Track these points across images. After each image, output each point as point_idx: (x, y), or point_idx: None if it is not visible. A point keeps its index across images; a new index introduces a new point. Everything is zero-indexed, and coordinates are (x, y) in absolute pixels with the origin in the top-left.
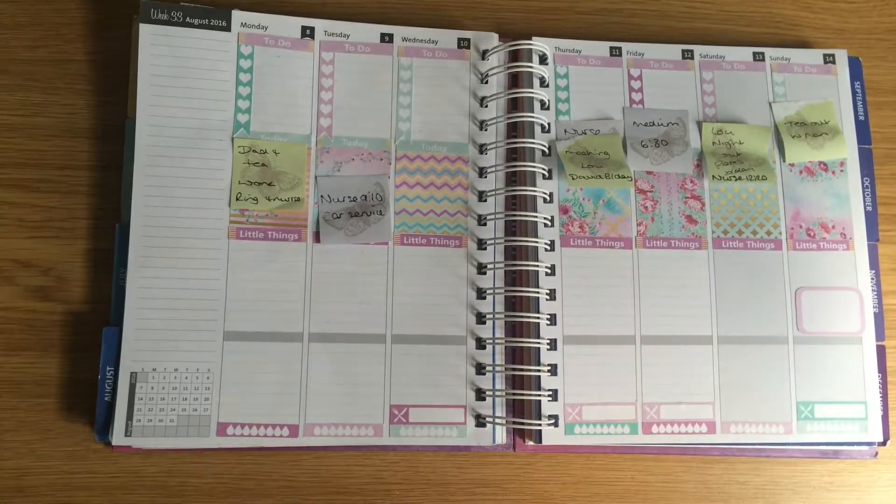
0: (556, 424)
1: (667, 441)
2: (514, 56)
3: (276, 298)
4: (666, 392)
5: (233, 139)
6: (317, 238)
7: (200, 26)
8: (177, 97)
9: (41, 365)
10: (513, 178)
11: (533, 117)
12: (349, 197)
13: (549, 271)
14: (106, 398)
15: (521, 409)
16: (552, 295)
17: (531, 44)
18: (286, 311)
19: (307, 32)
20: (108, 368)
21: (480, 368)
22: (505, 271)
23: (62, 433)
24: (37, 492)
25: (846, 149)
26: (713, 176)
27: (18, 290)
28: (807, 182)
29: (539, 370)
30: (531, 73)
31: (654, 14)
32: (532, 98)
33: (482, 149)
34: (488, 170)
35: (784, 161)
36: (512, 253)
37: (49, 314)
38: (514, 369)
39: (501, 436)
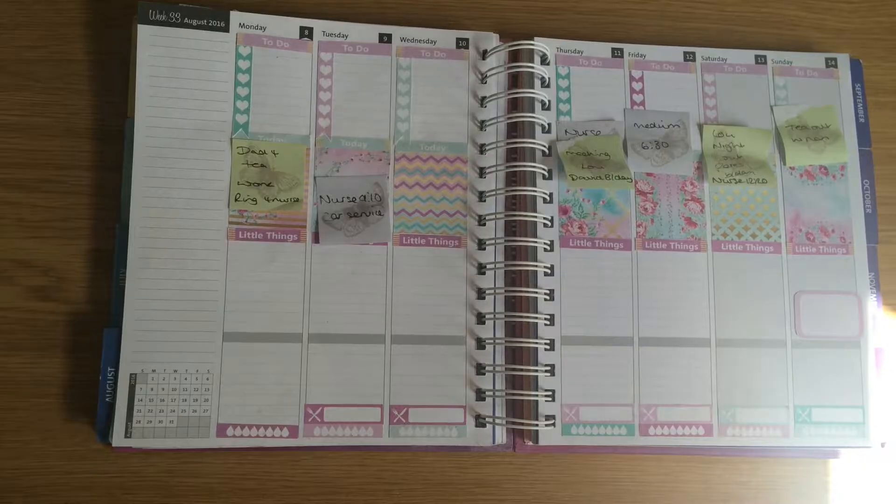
0: (553, 425)
1: (663, 443)
2: (515, 56)
3: (276, 299)
4: (663, 394)
5: (231, 140)
6: (316, 238)
7: (199, 27)
8: (176, 98)
9: (41, 365)
10: (513, 179)
11: (533, 117)
12: (348, 197)
13: (548, 271)
14: (107, 399)
15: (520, 410)
16: (551, 295)
17: (532, 44)
18: (285, 311)
19: (306, 33)
20: (108, 369)
21: (480, 368)
22: (505, 271)
23: (62, 433)
24: (37, 492)
25: (847, 153)
26: (713, 178)
27: (18, 290)
28: (807, 186)
29: (537, 370)
30: (532, 73)
31: (655, 14)
32: (532, 98)
33: (482, 149)
34: (488, 170)
35: (784, 164)
36: (512, 253)
37: (49, 314)
38: (513, 369)
39: (501, 436)
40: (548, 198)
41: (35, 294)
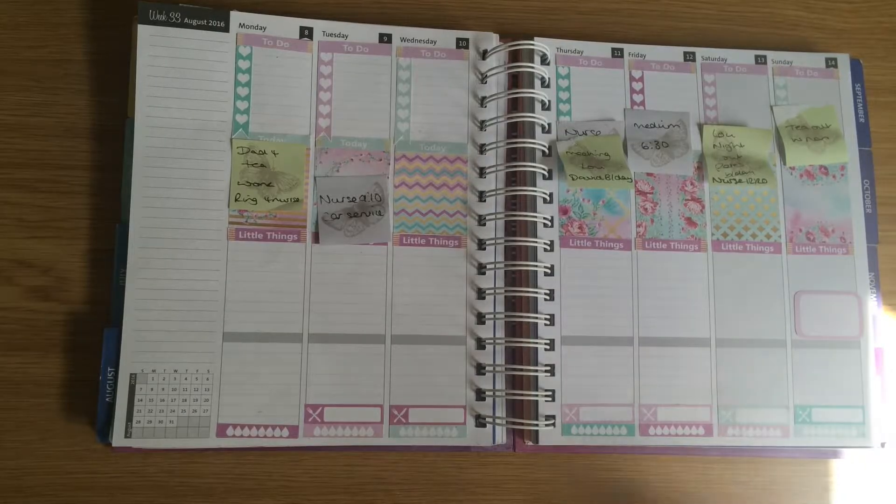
0: (553, 425)
1: (663, 443)
2: (515, 56)
3: (276, 299)
4: (663, 394)
5: (231, 140)
6: (316, 239)
7: (199, 27)
8: (175, 98)
9: (41, 365)
10: (513, 179)
11: (533, 117)
12: (348, 197)
13: (548, 271)
14: (107, 399)
15: (520, 410)
16: (551, 295)
17: (532, 44)
18: (285, 311)
19: (305, 33)
20: (108, 369)
21: (480, 368)
22: (505, 271)
23: (62, 433)
24: (37, 492)
25: (847, 153)
26: (713, 178)
27: (18, 290)
28: (807, 186)
29: (537, 370)
30: (532, 73)
31: (655, 14)
32: (532, 98)
33: (482, 149)
34: (488, 170)
35: (784, 164)
36: (512, 253)
37: (49, 314)
38: (513, 369)
39: (501, 436)
40: (548, 198)
41: (35, 294)
